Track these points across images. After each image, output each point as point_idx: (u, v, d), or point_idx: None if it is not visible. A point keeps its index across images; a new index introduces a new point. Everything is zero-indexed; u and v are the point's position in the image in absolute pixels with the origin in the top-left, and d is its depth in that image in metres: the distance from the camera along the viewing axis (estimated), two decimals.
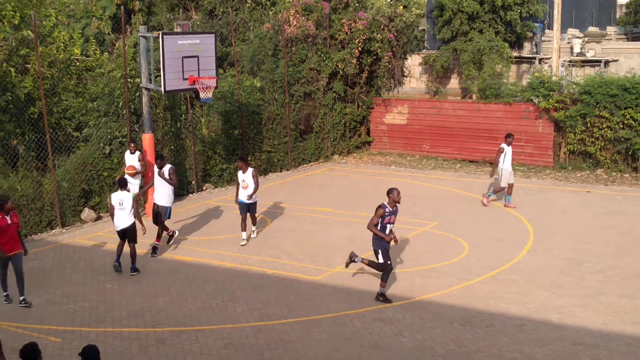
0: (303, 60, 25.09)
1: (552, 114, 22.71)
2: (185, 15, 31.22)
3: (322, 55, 25.13)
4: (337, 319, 11.76)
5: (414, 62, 34.82)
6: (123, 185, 14.06)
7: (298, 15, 25.27)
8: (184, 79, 17.45)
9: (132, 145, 17.49)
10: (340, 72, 25.16)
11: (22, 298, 12.53)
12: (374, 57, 25.52)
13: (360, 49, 25.05)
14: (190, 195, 20.64)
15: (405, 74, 27.81)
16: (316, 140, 25.42)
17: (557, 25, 27.66)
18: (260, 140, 23.34)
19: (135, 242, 14.17)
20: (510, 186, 18.85)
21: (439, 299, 12.71)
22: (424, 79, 34.83)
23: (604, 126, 21.98)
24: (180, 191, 20.25)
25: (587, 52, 34.34)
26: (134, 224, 14.01)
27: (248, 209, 16.03)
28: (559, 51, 28.43)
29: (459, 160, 24.68)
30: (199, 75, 17.60)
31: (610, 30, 40.04)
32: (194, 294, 13.07)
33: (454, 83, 35.74)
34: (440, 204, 19.43)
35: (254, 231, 16.46)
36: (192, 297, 12.90)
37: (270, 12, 28.42)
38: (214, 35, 18.59)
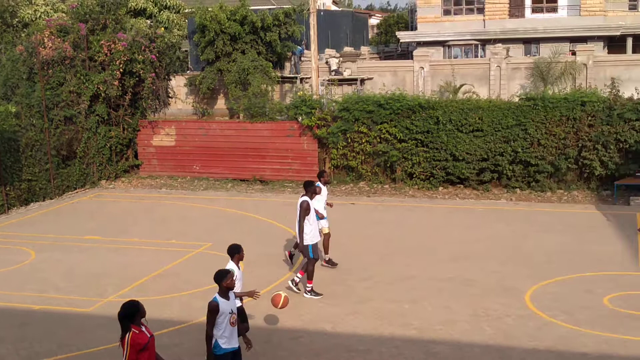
0: (61, 83, 24.01)
1: (315, 131, 23.59)
2: None
3: (82, 77, 24.21)
4: (114, 351, 11.27)
5: (179, 83, 34.70)
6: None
7: (53, 37, 24.19)
8: None
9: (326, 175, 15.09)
10: (102, 94, 24.38)
11: None
12: (137, 78, 25.04)
13: (121, 70, 24.46)
14: None
15: (170, 95, 27.60)
16: (81, 166, 24.37)
17: (314, 45, 28.89)
18: (19, 169, 21.93)
19: None
20: None
21: None
22: (190, 100, 34.79)
23: (363, 141, 23.20)
24: None
25: (344, 71, 36.22)
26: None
27: None
28: (318, 70, 29.71)
29: (230, 179, 24.84)
30: None
31: (364, 49, 42.57)
32: None
33: (220, 103, 36.09)
34: (214, 224, 19.43)
35: None
36: None
37: (23, 34, 26.97)
38: None
